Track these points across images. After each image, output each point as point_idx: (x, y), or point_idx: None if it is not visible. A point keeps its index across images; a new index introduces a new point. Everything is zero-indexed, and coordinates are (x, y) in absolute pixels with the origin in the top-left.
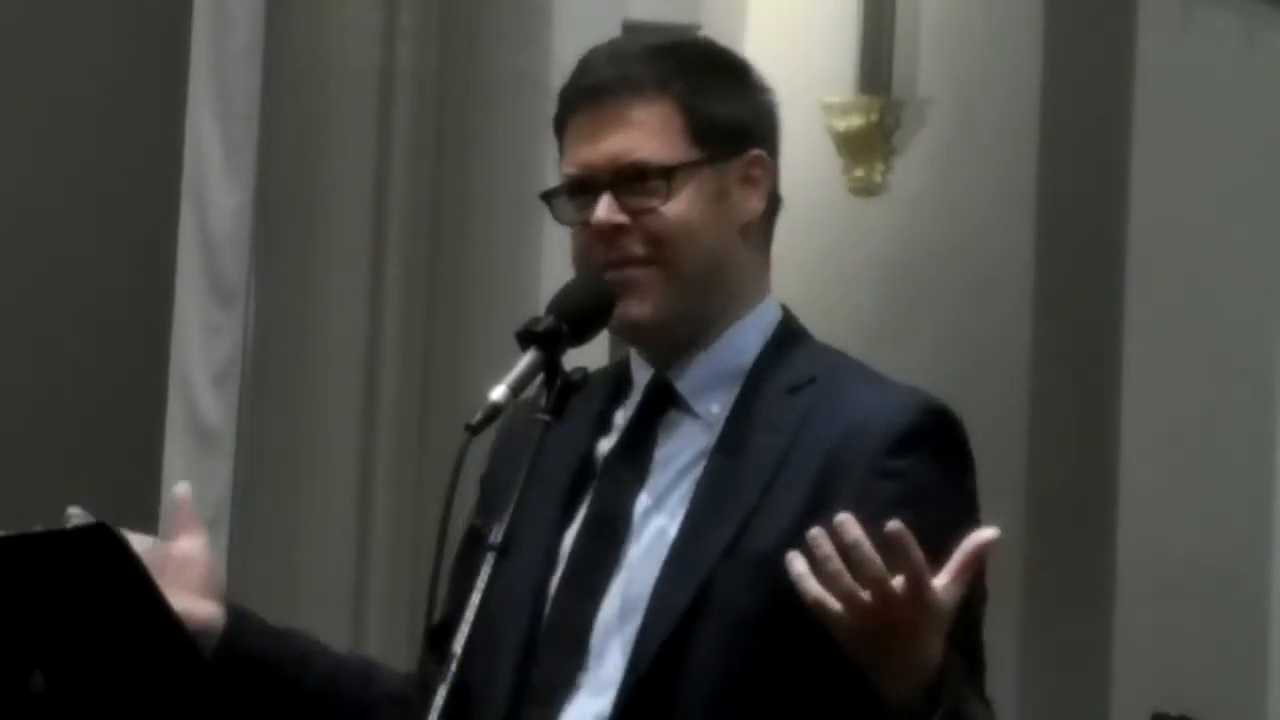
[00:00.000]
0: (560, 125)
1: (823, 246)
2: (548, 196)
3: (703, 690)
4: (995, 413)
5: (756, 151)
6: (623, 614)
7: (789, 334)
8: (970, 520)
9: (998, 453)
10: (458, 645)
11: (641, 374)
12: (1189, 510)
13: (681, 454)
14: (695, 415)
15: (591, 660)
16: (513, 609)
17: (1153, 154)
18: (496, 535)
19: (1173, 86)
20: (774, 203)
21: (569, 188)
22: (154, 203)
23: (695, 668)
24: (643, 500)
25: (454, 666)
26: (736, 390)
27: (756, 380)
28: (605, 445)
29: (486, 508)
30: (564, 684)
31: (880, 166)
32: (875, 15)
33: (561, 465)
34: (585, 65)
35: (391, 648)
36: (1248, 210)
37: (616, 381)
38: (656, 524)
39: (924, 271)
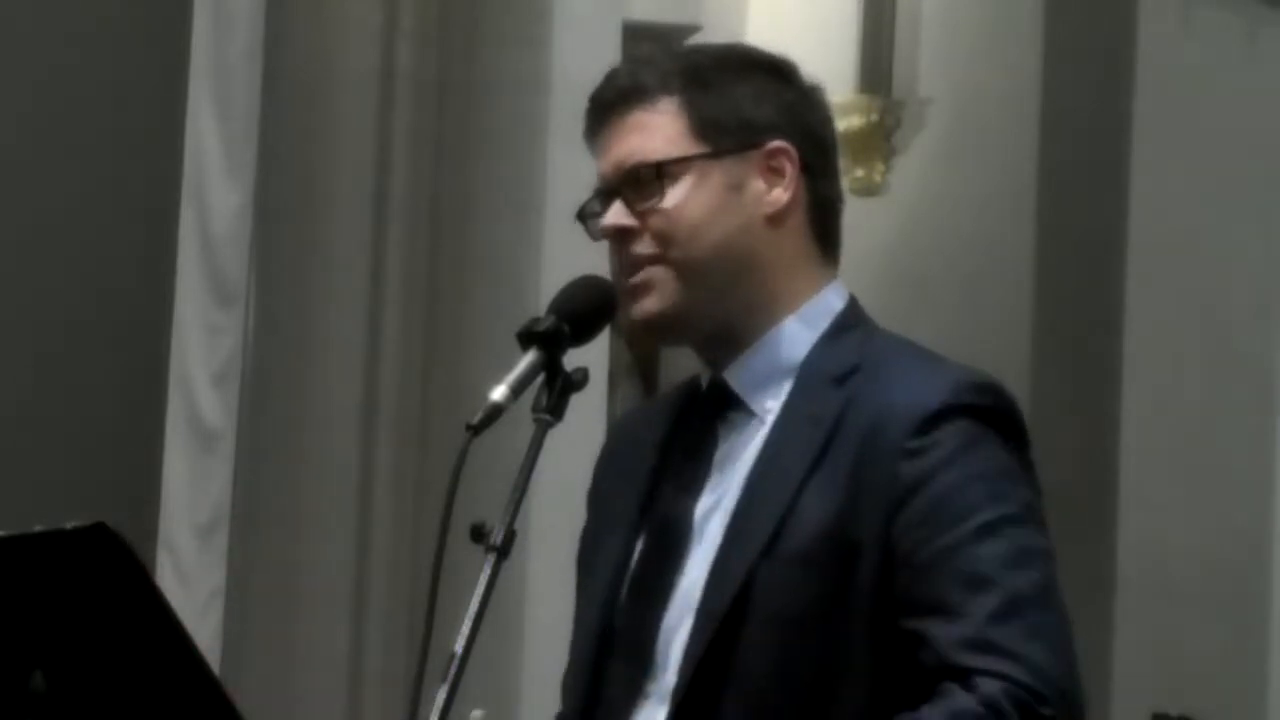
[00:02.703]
0: (588, 142)
1: None
2: (582, 216)
3: (748, 693)
4: None
5: (777, 142)
6: (680, 620)
7: (846, 324)
8: (1027, 483)
9: None
10: (458, 646)
11: (707, 379)
12: (1189, 510)
13: (740, 453)
14: (753, 413)
15: (657, 668)
16: (589, 619)
17: (1153, 154)
18: (497, 536)
19: (1173, 86)
20: (820, 193)
21: (598, 202)
22: (154, 203)
23: (740, 671)
24: (703, 502)
25: (455, 667)
26: (790, 385)
27: (807, 373)
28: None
29: (596, 524)
30: (632, 693)
31: (880, 166)
32: (875, 15)
33: (641, 473)
34: (605, 78)
35: (391, 648)
36: (1248, 210)
37: (692, 389)
38: (714, 526)
39: (924, 271)
